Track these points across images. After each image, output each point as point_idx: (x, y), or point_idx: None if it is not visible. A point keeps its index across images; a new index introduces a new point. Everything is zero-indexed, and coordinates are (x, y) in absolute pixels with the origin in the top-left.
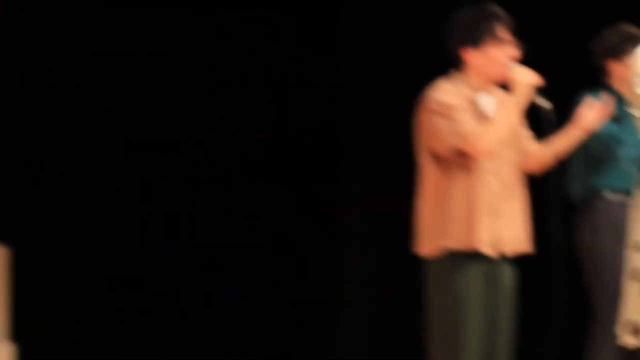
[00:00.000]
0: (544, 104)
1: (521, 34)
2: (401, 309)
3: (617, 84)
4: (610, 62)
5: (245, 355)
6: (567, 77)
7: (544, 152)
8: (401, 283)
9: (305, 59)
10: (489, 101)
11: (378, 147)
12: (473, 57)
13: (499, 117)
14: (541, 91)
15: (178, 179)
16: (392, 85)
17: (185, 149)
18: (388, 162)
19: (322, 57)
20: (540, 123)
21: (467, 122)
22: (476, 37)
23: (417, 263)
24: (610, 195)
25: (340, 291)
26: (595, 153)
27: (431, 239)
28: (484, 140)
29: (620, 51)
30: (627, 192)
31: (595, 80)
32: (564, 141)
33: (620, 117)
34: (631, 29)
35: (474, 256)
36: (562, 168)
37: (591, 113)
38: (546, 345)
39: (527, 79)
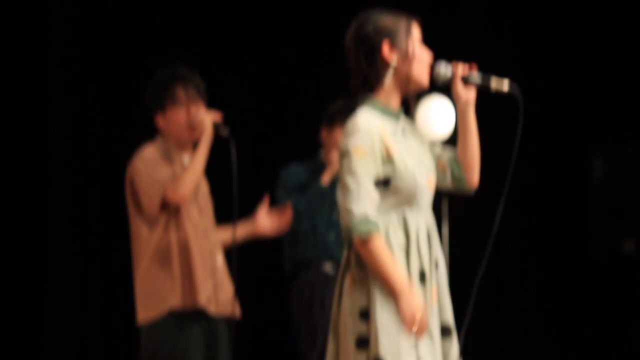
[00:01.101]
0: (224, 132)
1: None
2: None
3: (325, 154)
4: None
5: None
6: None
7: (225, 237)
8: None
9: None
10: None
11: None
12: (162, 122)
13: (191, 161)
14: (222, 123)
15: None
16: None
17: None
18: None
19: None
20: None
21: (166, 174)
22: (160, 103)
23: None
24: (314, 264)
25: None
26: (295, 227)
27: (151, 302)
28: (180, 184)
29: (336, 120)
30: (330, 258)
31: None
32: (239, 232)
33: (307, 186)
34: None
35: (195, 314)
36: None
37: (267, 221)
38: None
39: (208, 118)
